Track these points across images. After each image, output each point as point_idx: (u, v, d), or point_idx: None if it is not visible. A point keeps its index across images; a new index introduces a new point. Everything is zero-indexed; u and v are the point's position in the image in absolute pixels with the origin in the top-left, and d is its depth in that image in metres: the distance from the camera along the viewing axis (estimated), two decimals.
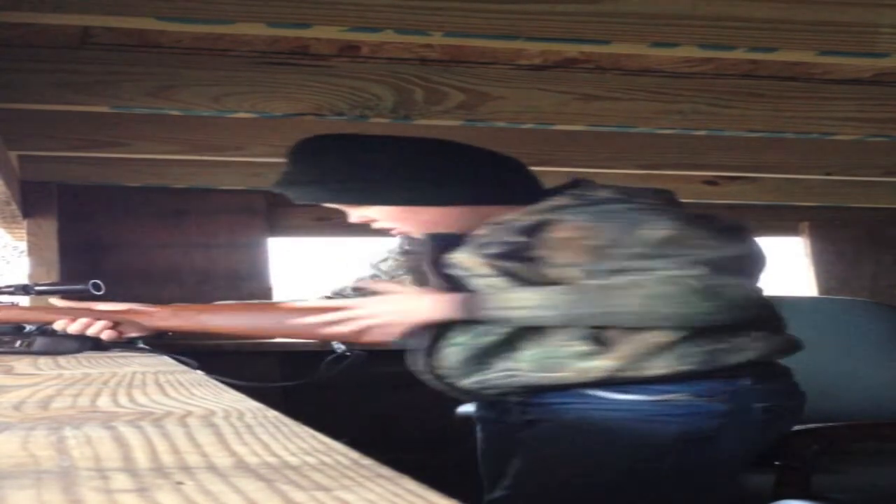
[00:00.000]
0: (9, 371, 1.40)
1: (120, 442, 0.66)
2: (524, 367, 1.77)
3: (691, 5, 1.69)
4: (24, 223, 3.27)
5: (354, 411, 3.55)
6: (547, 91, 2.22)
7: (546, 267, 1.75)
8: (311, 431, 0.69)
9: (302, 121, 2.48)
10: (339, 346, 1.94)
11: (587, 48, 2.00)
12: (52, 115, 2.42)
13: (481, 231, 1.85)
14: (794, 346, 1.83)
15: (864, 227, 4.13)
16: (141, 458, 0.59)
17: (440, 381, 1.84)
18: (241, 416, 0.80)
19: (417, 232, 1.91)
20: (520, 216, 1.81)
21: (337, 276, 2.11)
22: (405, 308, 1.81)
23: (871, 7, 1.73)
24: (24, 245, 3.39)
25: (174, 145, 2.60)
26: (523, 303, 1.73)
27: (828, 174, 3.07)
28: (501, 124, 2.23)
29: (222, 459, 0.59)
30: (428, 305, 1.80)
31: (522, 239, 1.78)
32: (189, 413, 0.82)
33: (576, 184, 1.89)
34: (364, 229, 1.93)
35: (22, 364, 1.54)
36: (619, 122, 2.30)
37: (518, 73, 2.22)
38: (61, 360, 1.63)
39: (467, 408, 2.76)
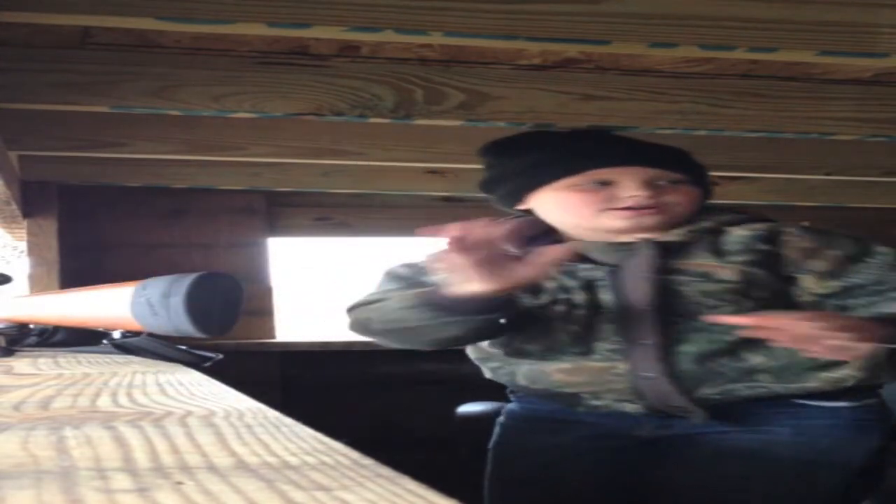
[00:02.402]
0: (9, 371, 1.40)
1: (120, 442, 0.66)
2: (764, 378, 1.75)
3: (691, 5, 1.69)
4: (24, 223, 3.27)
5: (354, 411, 3.55)
6: (547, 91, 2.22)
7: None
8: (311, 431, 0.69)
9: (302, 121, 2.48)
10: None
11: (587, 48, 2.00)
12: (52, 115, 2.42)
13: (669, 237, 1.82)
14: None
15: (864, 227, 4.12)
16: (141, 458, 0.59)
17: (678, 388, 1.76)
18: (241, 416, 0.80)
19: (666, 224, 1.84)
20: (716, 224, 1.81)
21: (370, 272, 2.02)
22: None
23: (871, 7, 1.72)
24: (24, 245, 3.39)
25: (174, 145, 2.60)
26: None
27: (828, 174, 3.06)
28: (502, 124, 2.22)
29: (222, 459, 0.59)
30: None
31: (767, 247, 1.77)
32: (189, 413, 0.82)
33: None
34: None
35: (22, 364, 1.54)
36: (619, 122, 2.29)
37: (518, 73, 2.22)
38: (61, 360, 1.63)
39: (468, 408, 2.76)
